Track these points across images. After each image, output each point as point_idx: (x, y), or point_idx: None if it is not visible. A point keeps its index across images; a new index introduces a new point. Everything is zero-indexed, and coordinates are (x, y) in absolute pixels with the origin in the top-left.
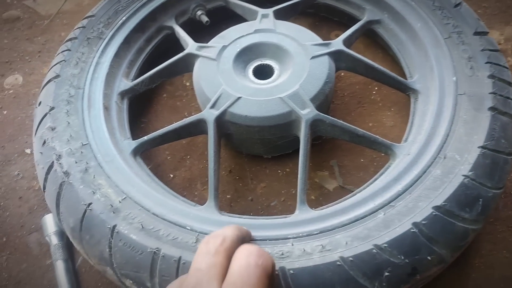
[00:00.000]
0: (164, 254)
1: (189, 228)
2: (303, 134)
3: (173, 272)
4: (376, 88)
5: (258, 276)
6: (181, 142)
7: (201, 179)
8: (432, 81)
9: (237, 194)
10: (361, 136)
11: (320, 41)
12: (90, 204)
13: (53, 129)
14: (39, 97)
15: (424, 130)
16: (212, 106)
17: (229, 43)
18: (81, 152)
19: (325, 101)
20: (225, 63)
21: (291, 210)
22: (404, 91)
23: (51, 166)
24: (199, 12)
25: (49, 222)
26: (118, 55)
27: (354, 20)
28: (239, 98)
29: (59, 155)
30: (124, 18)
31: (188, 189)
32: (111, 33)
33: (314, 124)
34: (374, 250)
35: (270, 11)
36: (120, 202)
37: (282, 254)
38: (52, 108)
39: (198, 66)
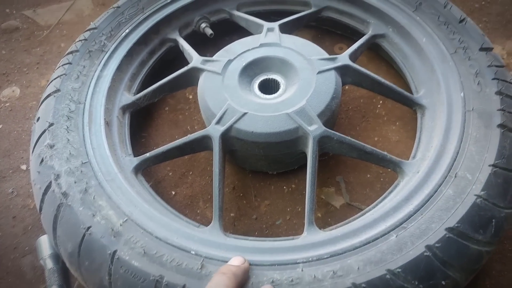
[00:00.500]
0: (167, 282)
1: (193, 252)
2: (310, 151)
3: None
4: (380, 102)
5: None
6: (182, 157)
7: (203, 196)
8: (439, 96)
9: (241, 212)
10: (369, 153)
11: (326, 55)
12: (89, 227)
13: (51, 146)
14: (37, 112)
15: (433, 147)
16: (218, 122)
17: (235, 57)
18: (81, 171)
19: (332, 117)
20: (231, 78)
21: (296, 229)
22: (410, 106)
23: (48, 186)
24: (203, 25)
25: (44, 244)
26: (120, 68)
27: (358, 33)
28: (245, 113)
29: (58, 175)
30: (127, 30)
31: (190, 207)
32: (113, 46)
33: (321, 141)
34: (388, 276)
35: (275, 24)
36: (121, 225)
37: (292, 280)
38: (51, 124)
39: (203, 80)
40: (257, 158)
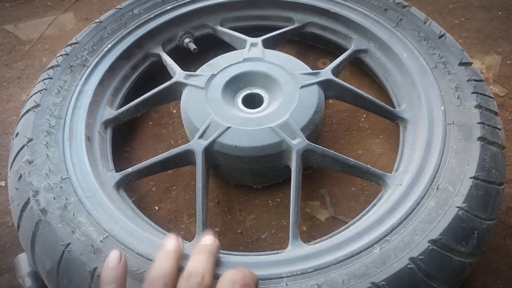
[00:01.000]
0: None
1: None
2: (294, 165)
3: None
4: (364, 116)
5: None
6: (166, 172)
7: (188, 211)
8: (420, 110)
9: (226, 226)
10: (352, 166)
11: (309, 70)
12: (68, 244)
13: (30, 162)
14: (16, 127)
15: (415, 160)
16: (201, 136)
17: (218, 71)
18: (60, 187)
19: (315, 130)
20: (214, 92)
21: (282, 243)
22: (392, 120)
23: (27, 203)
24: (186, 40)
25: (23, 262)
26: (102, 83)
27: (340, 48)
28: (228, 127)
29: (36, 191)
30: (109, 45)
31: (174, 222)
32: (95, 61)
33: (305, 155)
34: None
35: (258, 40)
36: (101, 241)
37: None
38: (30, 140)
39: (186, 94)
40: (241, 172)
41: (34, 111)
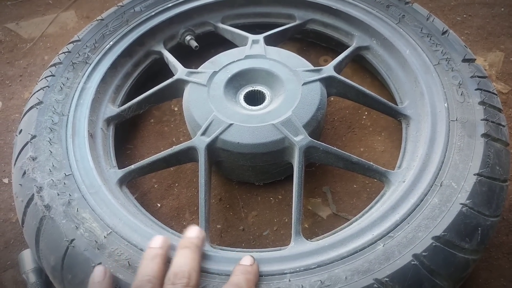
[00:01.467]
0: None
1: None
2: (296, 161)
3: None
4: (366, 113)
5: None
6: (168, 169)
7: (190, 208)
8: (423, 107)
9: (228, 223)
10: (355, 163)
11: (311, 67)
12: (73, 240)
13: (34, 159)
14: (19, 124)
15: (418, 157)
16: (203, 133)
17: (220, 68)
18: (64, 184)
19: (318, 127)
20: (216, 89)
21: (284, 240)
22: (395, 117)
23: (31, 199)
24: (188, 37)
25: (27, 258)
26: (104, 80)
27: (342, 45)
28: (230, 124)
29: (40, 187)
30: (111, 42)
31: (176, 219)
32: (97, 58)
33: (307, 151)
34: (376, 285)
35: (260, 37)
36: (105, 237)
37: None
38: (33, 137)
39: (188, 92)
40: (244, 169)
41: (37, 108)
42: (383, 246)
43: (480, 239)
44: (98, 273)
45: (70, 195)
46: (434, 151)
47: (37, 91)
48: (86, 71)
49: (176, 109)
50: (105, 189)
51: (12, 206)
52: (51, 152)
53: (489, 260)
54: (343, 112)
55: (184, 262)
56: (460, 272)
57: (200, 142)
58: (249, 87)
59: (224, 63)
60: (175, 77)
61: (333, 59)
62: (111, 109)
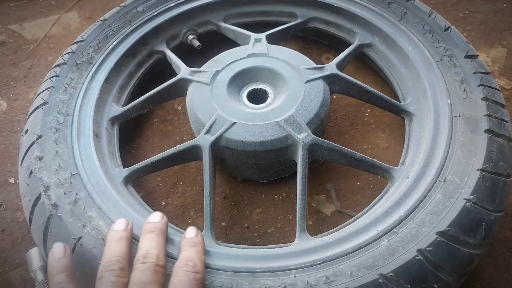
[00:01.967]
0: None
1: None
2: (300, 159)
3: None
4: (368, 110)
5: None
6: (173, 167)
7: (195, 206)
8: (426, 103)
9: (233, 221)
10: (358, 160)
11: (313, 65)
12: (80, 238)
13: (40, 158)
14: (25, 125)
15: (422, 153)
16: (207, 132)
17: (223, 67)
18: (70, 183)
19: (321, 125)
20: (219, 88)
21: (288, 237)
22: (398, 114)
23: (38, 198)
24: (190, 37)
25: (34, 256)
26: (108, 80)
27: (344, 43)
28: (234, 123)
29: (47, 186)
30: (114, 42)
31: (181, 217)
32: (101, 58)
33: (311, 149)
34: (380, 280)
35: (262, 35)
36: None
37: (285, 287)
38: (39, 137)
39: (191, 91)
40: (248, 166)
41: (42, 109)
42: (388, 241)
43: (484, 234)
44: (58, 250)
45: (76, 194)
46: (437, 147)
47: (42, 92)
48: (90, 71)
49: (179, 108)
50: (111, 187)
51: (19, 206)
52: (57, 151)
53: (493, 255)
54: (346, 110)
55: (151, 245)
56: (464, 266)
57: (204, 140)
58: (252, 86)
59: (227, 61)
60: (178, 76)
61: (335, 57)
62: (115, 109)
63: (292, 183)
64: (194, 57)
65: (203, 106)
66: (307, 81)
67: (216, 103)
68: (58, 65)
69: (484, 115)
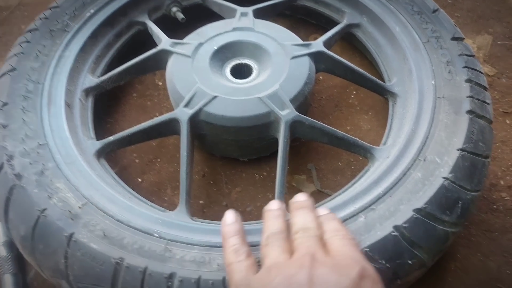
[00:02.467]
0: (128, 265)
1: (157, 235)
2: (282, 135)
3: (137, 285)
4: (354, 92)
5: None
6: (150, 143)
7: (172, 183)
8: (411, 84)
9: (211, 199)
10: (340, 138)
11: (300, 41)
12: (44, 209)
13: (4, 126)
14: None
15: (404, 133)
16: (186, 105)
17: (206, 40)
18: (38, 153)
19: (305, 102)
20: (201, 61)
21: None
22: (382, 94)
23: (0, 168)
24: (174, 9)
25: None
26: (84, 50)
27: (333, 23)
28: (215, 97)
29: (11, 156)
30: (92, 11)
31: (157, 194)
32: (77, 26)
33: (293, 126)
34: None
35: (249, 9)
36: (80, 207)
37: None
38: (5, 104)
39: (171, 63)
40: (227, 143)
41: (10, 75)
42: (365, 218)
43: (460, 212)
44: (230, 216)
45: (43, 164)
46: (420, 127)
47: (10, 58)
48: (64, 39)
49: (160, 83)
50: (82, 159)
51: None
52: (24, 120)
53: (468, 237)
54: (331, 91)
55: (309, 219)
56: (439, 244)
57: (182, 113)
58: (236, 60)
59: (211, 34)
60: (158, 48)
61: None
62: (90, 79)
63: (273, 163)
64: (178, 31)
65: (183, 79)
66: (293, 58)
67: (197, 76)
68: (30, 31)
69: (467, 97)
